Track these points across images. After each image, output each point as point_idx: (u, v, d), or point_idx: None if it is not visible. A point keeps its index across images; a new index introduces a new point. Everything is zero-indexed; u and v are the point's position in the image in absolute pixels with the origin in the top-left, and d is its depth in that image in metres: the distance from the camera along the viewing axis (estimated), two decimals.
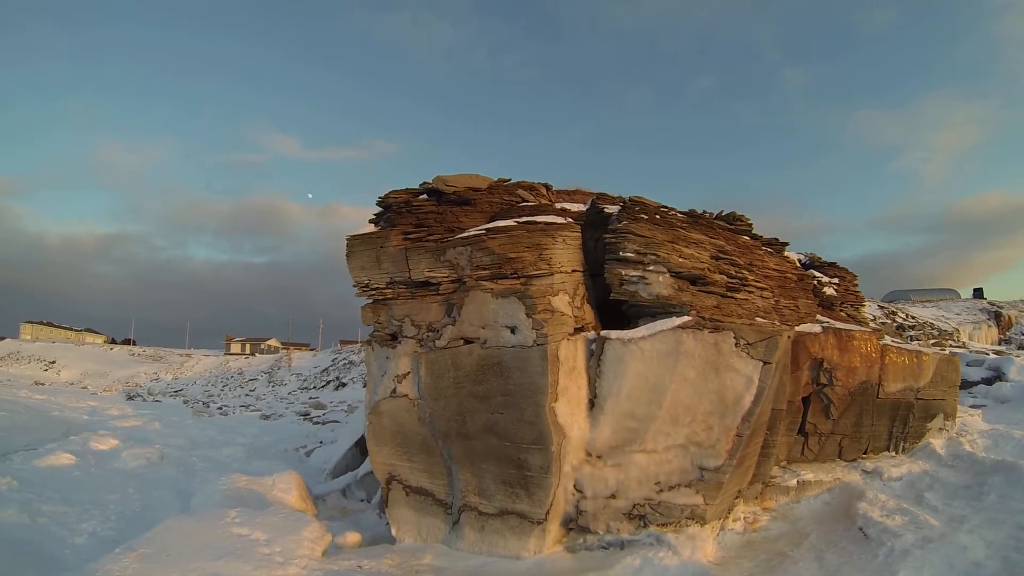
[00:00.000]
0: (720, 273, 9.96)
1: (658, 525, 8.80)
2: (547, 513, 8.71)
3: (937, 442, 13.85)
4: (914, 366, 13.65)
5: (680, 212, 10.81)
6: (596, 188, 12.70)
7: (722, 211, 12.22)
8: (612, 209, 10.22)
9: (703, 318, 9.05)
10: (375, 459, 10.04)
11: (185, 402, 42.13)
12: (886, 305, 56.93)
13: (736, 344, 8.90)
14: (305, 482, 11.41)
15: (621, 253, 9.25)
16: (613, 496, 8.90)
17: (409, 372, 9.65)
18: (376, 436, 9.95)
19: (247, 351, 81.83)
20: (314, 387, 46.89)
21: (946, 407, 14.66)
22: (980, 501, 10.27)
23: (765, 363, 8.95)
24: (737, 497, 9.80)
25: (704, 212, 11.66)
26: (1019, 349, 41.01)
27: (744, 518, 10.03)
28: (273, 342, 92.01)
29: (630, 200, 10.24)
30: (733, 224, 12.09)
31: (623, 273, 9.22)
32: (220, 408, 38.21)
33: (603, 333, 9.07)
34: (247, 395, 47.01)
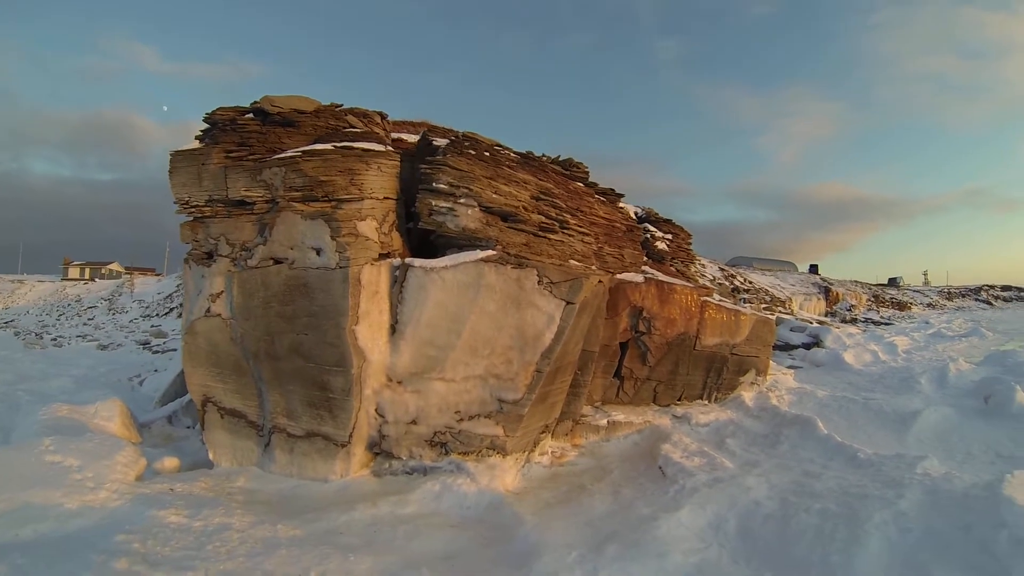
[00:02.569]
0: (539, 213, 10.03)
1: (459, 453, 8.96)
2: (350, 436, 8.71)
3: (748, 395, 14.69)
4: (731, 323, 14.34)
5: (514, 152, 10.82)
6: (456, 126, 12.56)
7: (559, 156, 12.33)
8: (441, 142, 10.11)
9: (508, 254, 9.13)
10: (191, 380, 9.68)
11: (16, 334, 38.62)
12: (727, 268, 59.96)
13: (539, 282, 9.08)
14: (131, 409, 10.92)
15: (434, 184, 9.18)
16: (414, 422, 8.96)
17: (223, 291, 9.33)
18: (191, 357, 9.60)
19: (86, 276, 75.43)
20: (157, 315, 44.55)
21: (759, 364, 15.51)
22: (775, 449, 11.03)
23: (568, 303, 9.16)
24: (543, 432, 10.06)
25: (542, 156, 11.73)
26: (842, 322, 44.32)
27: (552, 452, 10.35)
28: (115, 266, 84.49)
29: (463, 135, 10.19)
30: (569, 170, 12.23)
31: (433, 203, 9.14)
32: (55, 339, 35.82)
33: (407, 260, 9.03)
34: (85, 324, 44.36)
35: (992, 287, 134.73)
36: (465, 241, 9.26)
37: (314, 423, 8.86)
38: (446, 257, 9.08)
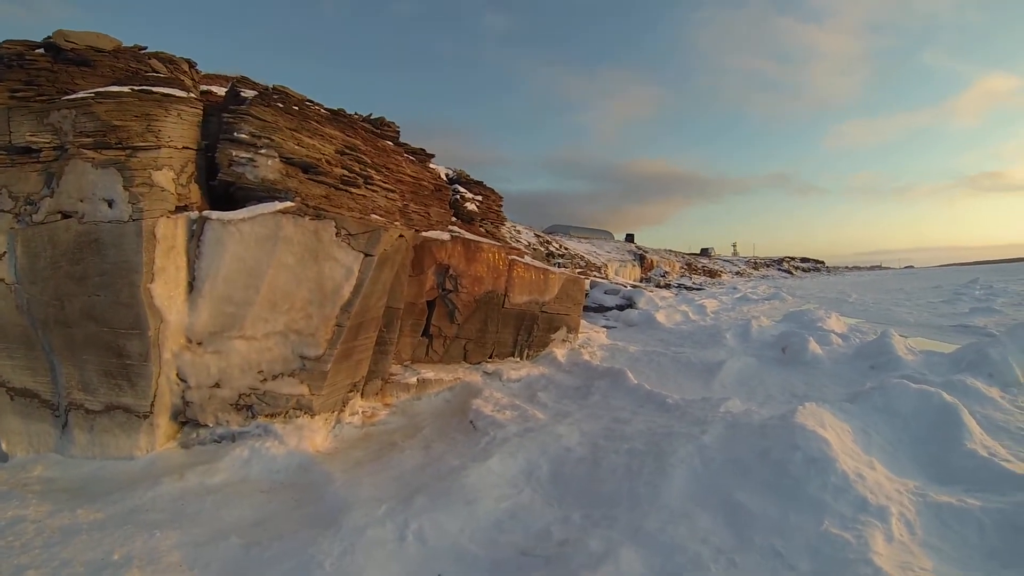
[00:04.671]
0: (342, 167, 9.87)
1: (266, 416, 8.74)
2: (152, 405, 8.24)
3: (560, 351, 15.23)
4: (540, 282, 14.74)
5: (325, 108, 10.57)
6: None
7: (371, 114, 12.18)
8: (249, 94, 9.68)
9: (307, 205, 8.92)
10: None
11: None
12: (543, 235, 61.97)
13: (338, 234, 8.93)
14: None
15: (235, 133, 8.77)
16: (217, 385, 8.63)
17: (5, 252, 8.52)
18: None
19: None
20: None
21: (570, 321, 16.04)
22: (586, 400, 11.47)
23: (367, 255, 9.10)
24: (352, 391, 10.00)
25: (354, 114, 11.56)
26: (656, 287, 47.08)
27: (363, 412, 10.28)
28: None
29: (272, 88, 9.80)
30: (379, 128, 12.08)
31: (233, 154, 8.75)
32: None
33: (204, 213, 8.58)
34: None
35: (793, 259, 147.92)
36: (265, 193, 8.93)
37: (113, 394, 8.28)
38: (243, 209, 8.72)
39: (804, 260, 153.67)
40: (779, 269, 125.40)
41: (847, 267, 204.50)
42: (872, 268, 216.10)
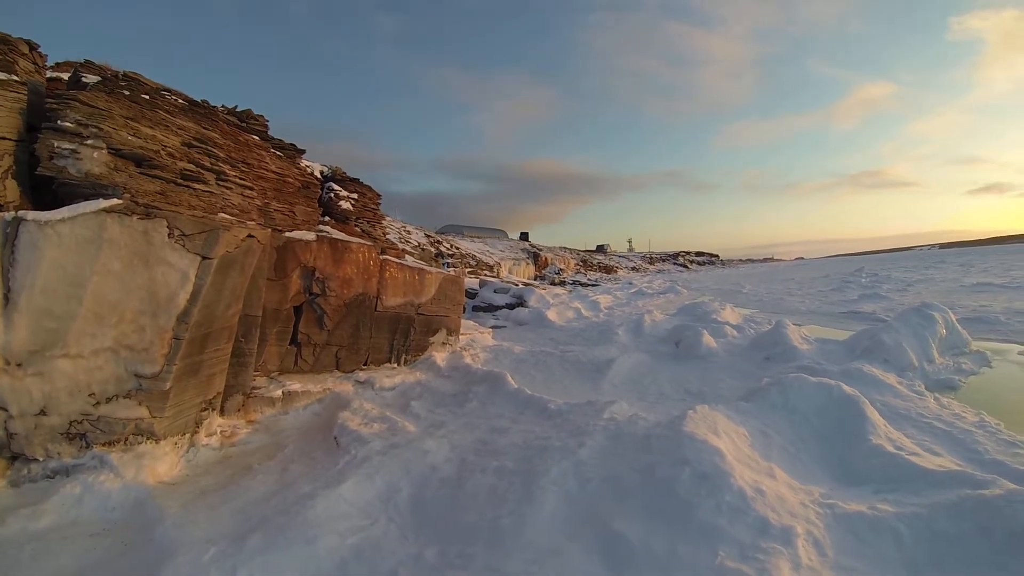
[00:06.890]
0: (188, 161, 8.91)
1: (102, 444, 7.72)
2: None
3: (440, 355, 14.68)
4: (416, 282, 14.19)
5: (184, 99, 9.59)
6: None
7: (235, 106, 11.31)
8: (93, 79, 8.61)
9: (137, 203, 7.89)
10: None
11: None
12: (434, 235, 62.03)
13: (170, 235, 7.94)
14: None
15: (59, 122, 7.68)
16: (44, 412, 7.50)
17: None
18: None
19: None
20: None
21: (450, 323, 15.54)
22: (462, 408, 10.89)
23: (204, 258, 8.20)
24: (205, 409, 9.04)
25: (220, 107, 10.70)
26: (551, 284, 47.49)
27: (221, 432, 9.31)
28: None
29: (122, 74, 8.80)
30: (245, 122, 11.24)
31: (55, 145, 7.63)
32: None
33: (20, 214, 7.35)
34: None
35: (688, 253, 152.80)
36: (90, 189, 7.84)
37: None
38: (63, 208, 7.53)
39: (699, 254, 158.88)
40: (675, 263, 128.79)
41: (741, 260, 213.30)
42: (765, 260, 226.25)
